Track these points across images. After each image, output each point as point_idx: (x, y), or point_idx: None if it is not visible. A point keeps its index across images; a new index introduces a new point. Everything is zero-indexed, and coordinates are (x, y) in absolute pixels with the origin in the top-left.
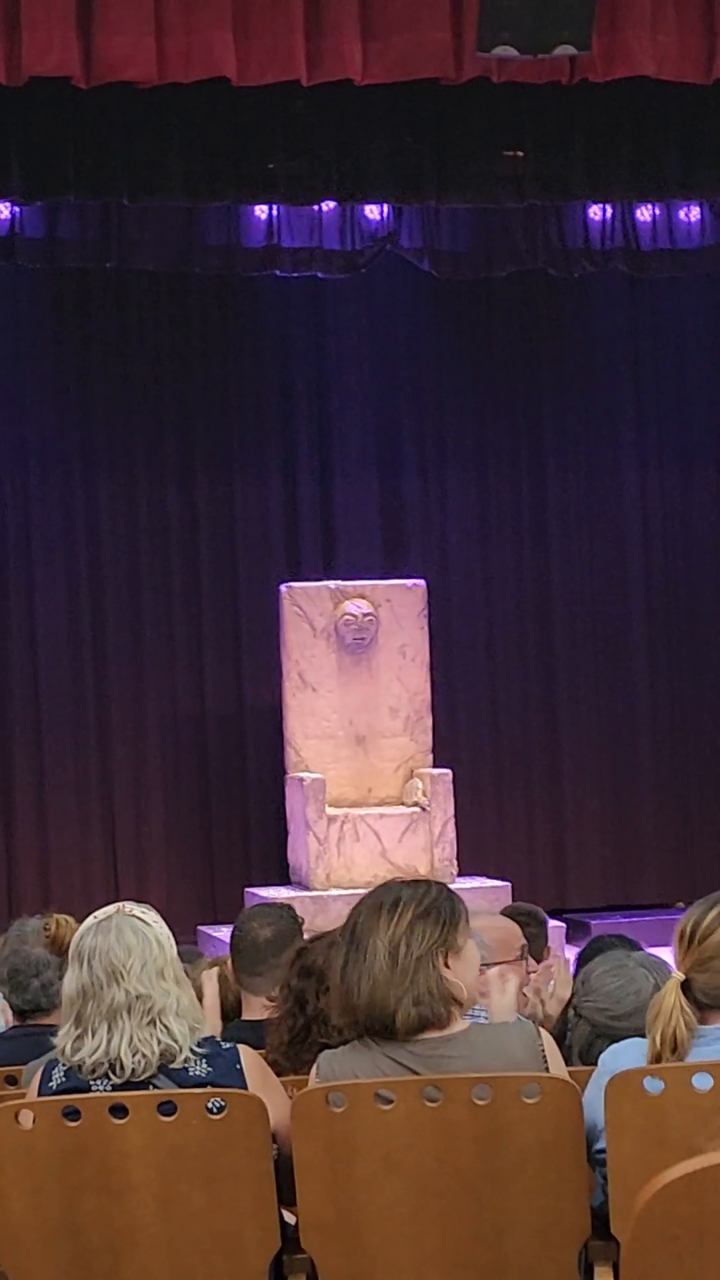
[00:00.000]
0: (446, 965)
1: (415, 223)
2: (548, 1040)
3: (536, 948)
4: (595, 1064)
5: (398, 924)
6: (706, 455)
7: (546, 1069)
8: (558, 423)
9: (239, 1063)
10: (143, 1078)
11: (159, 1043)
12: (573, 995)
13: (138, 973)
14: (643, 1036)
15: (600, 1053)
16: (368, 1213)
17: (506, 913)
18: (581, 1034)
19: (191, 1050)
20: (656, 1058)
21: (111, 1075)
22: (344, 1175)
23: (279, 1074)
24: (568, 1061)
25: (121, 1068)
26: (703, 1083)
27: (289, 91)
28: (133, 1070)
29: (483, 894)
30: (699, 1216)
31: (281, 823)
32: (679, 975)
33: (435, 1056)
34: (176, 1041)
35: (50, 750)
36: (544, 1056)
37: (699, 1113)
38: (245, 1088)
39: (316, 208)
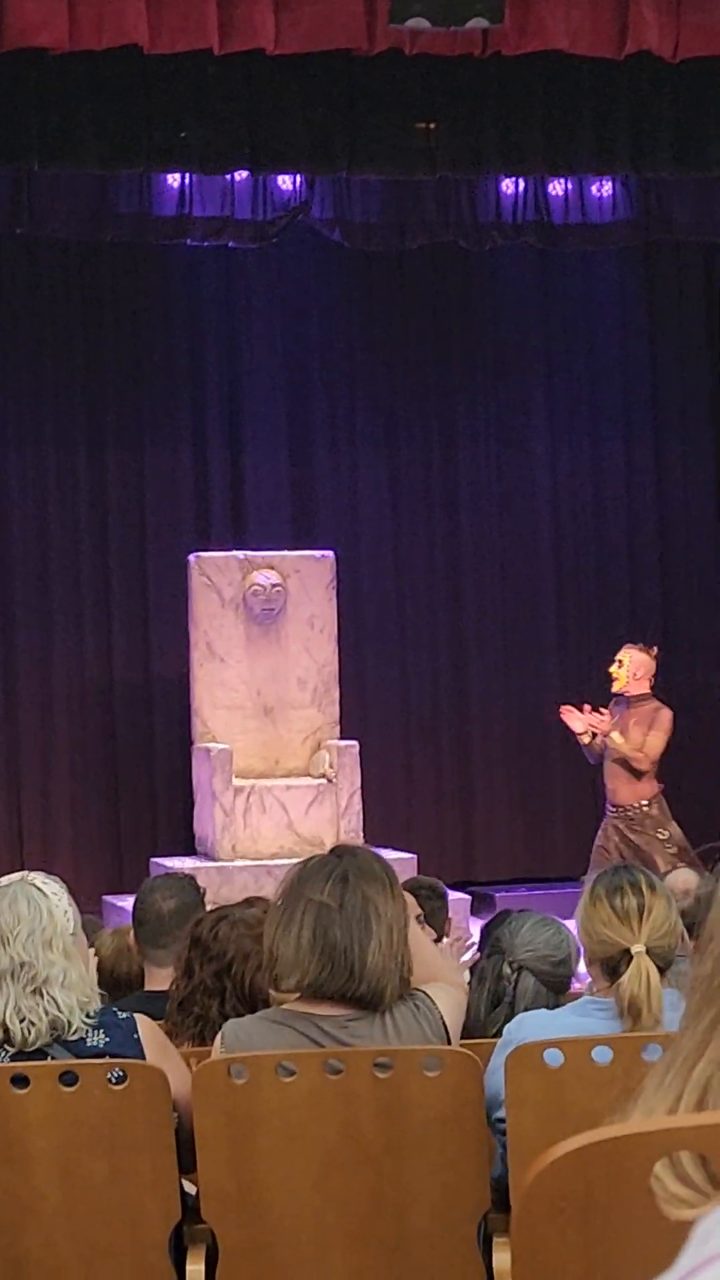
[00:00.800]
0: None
1: (327, 194)
2: (448, 1013)
3: (437, 921)
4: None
5: (396, 900)
6: (616, 429)
7: (448, 1040)
8: (469, 395)
9: (136, 1032)
10: (35, 1047)
11: (46, 1013)
12: (506, 954)
13: (23, 940)
14: (566, 984)
15: (547, 1004)
16: (269, 1185)
17: (407, 886)
18: (526, 987)
19: (84, 1020)
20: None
21: (7, 1046)
22: (245, 1147)
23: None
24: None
25: (9, 1036)
26: (602, 1056)
27: (201, 60)
28: (23, 1039)
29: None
30: (586, 1191)
31: (188, 793)
32: (641, 947)
33: (356, 1029)
34: (63, 1013)
35: None
36: (445, 1029)
37: (599, 1086)
38: (143, 1058)
39: (228, 177)
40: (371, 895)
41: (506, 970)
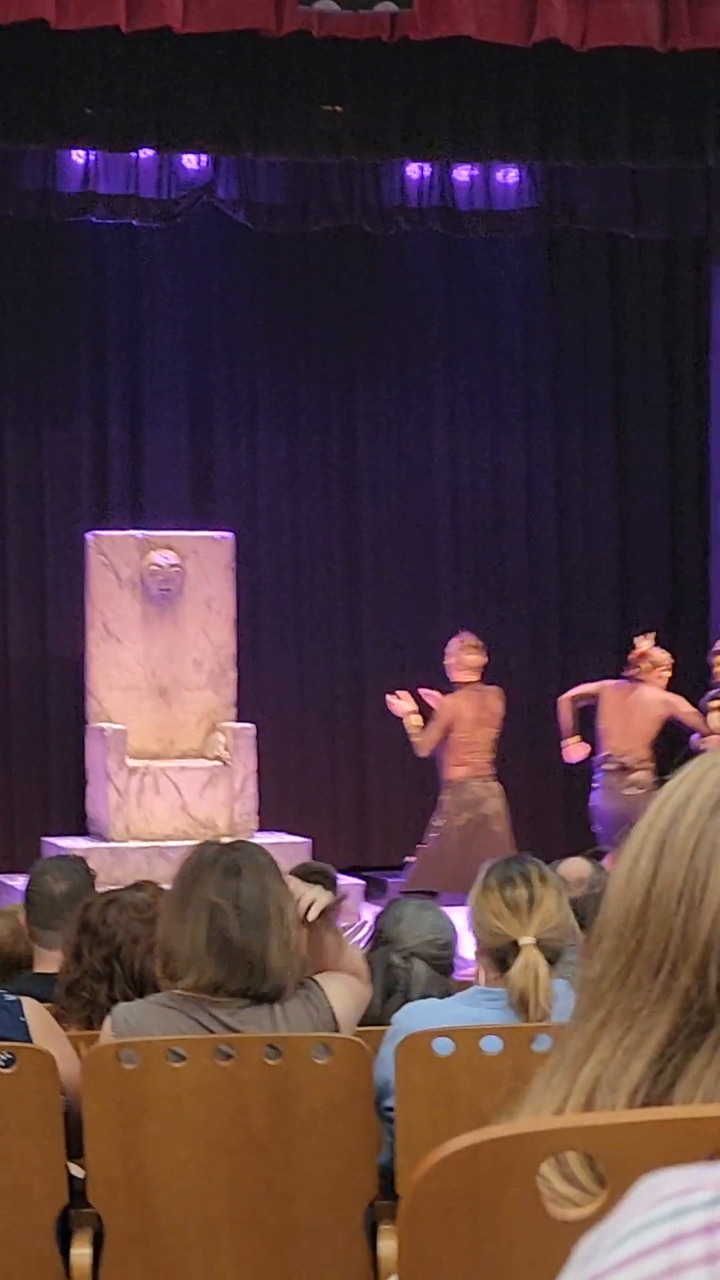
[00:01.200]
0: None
1: (232, 174)
2: (337, 1002)
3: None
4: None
5: (285, 887)
6: (515, 417)
7: (337, 1029)
8: (370, 379)
9: (22, 1015)
10: None
11: None
12: (393, 943)
13: None
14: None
15: (439, 988)
16: (156, 1170)
17: (296, 871)
18: (419, 974)
19: None
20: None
21: None
22: (134, 1132)
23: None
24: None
25: None
26: (492, 1046)
27: (108, 37)
28: None
29: (283, 850)
30: (473, 1190)
31: (81, 773)
32: (530, 939)
33: (246, 1017)
34: None
35: None
36: (334, 1017)
37: (488, 1076)
38: (29, 1040)
39: (134, 155)
40: (270, 888)
41: (396, 960)
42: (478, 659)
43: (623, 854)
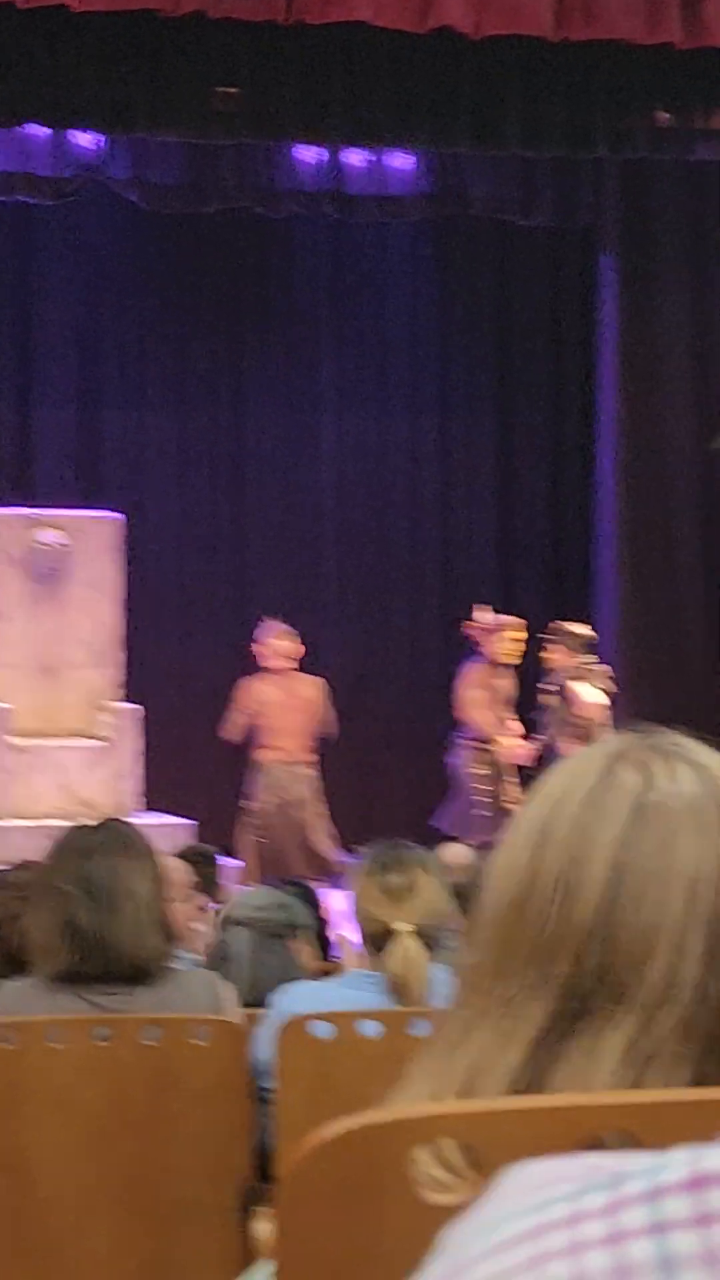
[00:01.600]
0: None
1: (125, 153)
2: (225, 986)
3: (210, 886)
4: (264, 965)
5: (151, 869)
6: (401, 400)
7: (222, 1010)
8: (259, 361)
9: None
10: None
11: None
12: (229, 918)
13: None
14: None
15: (263, 951)
16: (35, 1152)
17: (181, 853)
18: (241, 938)
19: None
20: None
21: None
22: (11, 1113)
23: None
24: (238, 969)
25: None
26: (371, 1029)
27: (3, 12)
28: None
29: (167, 831)
30: (350, 1174)
31: None
32: (407, 925)
33: (125, 999)
34: None
35: None
36: (220, 999)
37: (367, 1060)
38: None
39: (26, 131)
40: (120, 869)
41: (225, 930)
42: (290, 646)
43: (502, 843)
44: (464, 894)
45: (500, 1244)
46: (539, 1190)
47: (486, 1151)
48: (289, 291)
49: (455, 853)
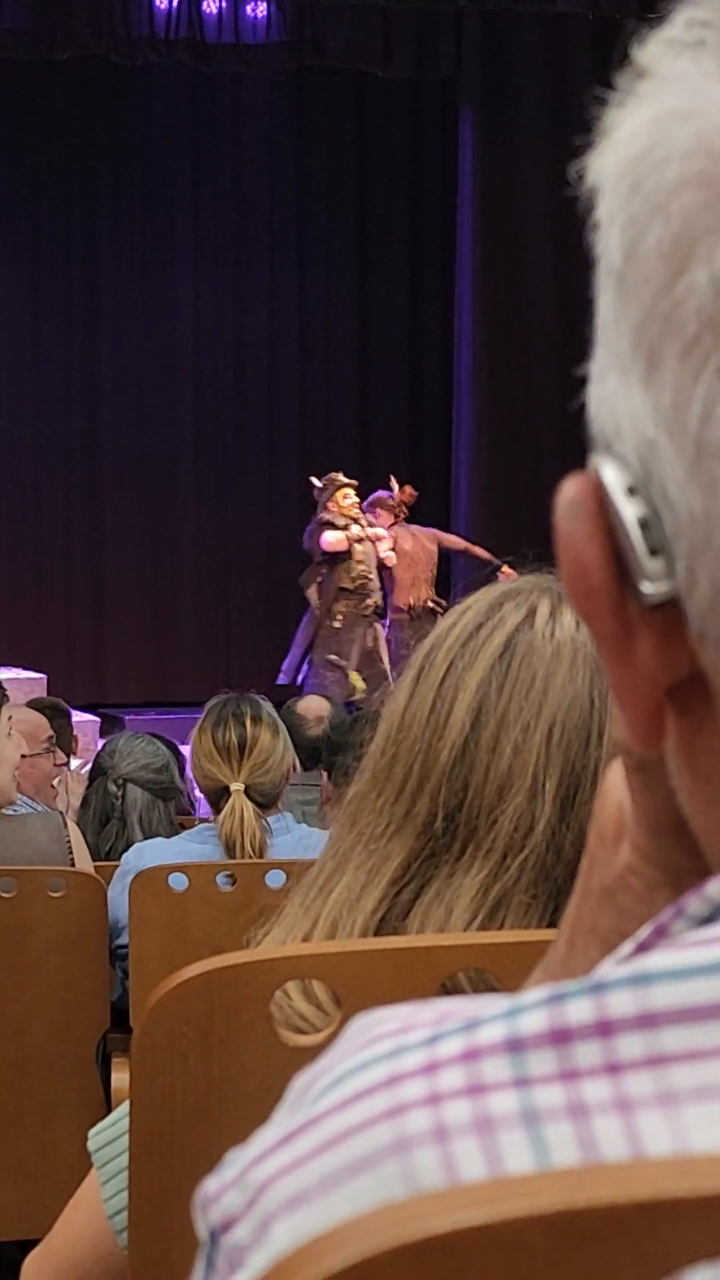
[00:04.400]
0: None
1: None
2: (74, 834)
3: (64, 740)
4: (154, 822)
5: None
6: (260, 255)
7: (73, 862)
8: (113, 213)
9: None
10: None
11: None
12: (104, 769)
13: None
14: (174, 790)
15: (157, 814)
16: None
17: (30, 705)
18: (135, 798)
19: None
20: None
21: None
22: None
23: None
24: (130, 826)
25: None
26: (225, 882)
27: None
28: None
29: (18, 685)
30: (207, 1015)
31: None
32: (239, 785)
33: None
34: None
35: None
36: (70, 849)
37: (222, 910)
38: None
39: None
40: None
41: (112, 788)
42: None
43: (398, 681)
44: (320, 747)
45: (355, 1094)
46: (390, 1038)
47: (342, 991)
48: (144, 142)
49: (314, 705)
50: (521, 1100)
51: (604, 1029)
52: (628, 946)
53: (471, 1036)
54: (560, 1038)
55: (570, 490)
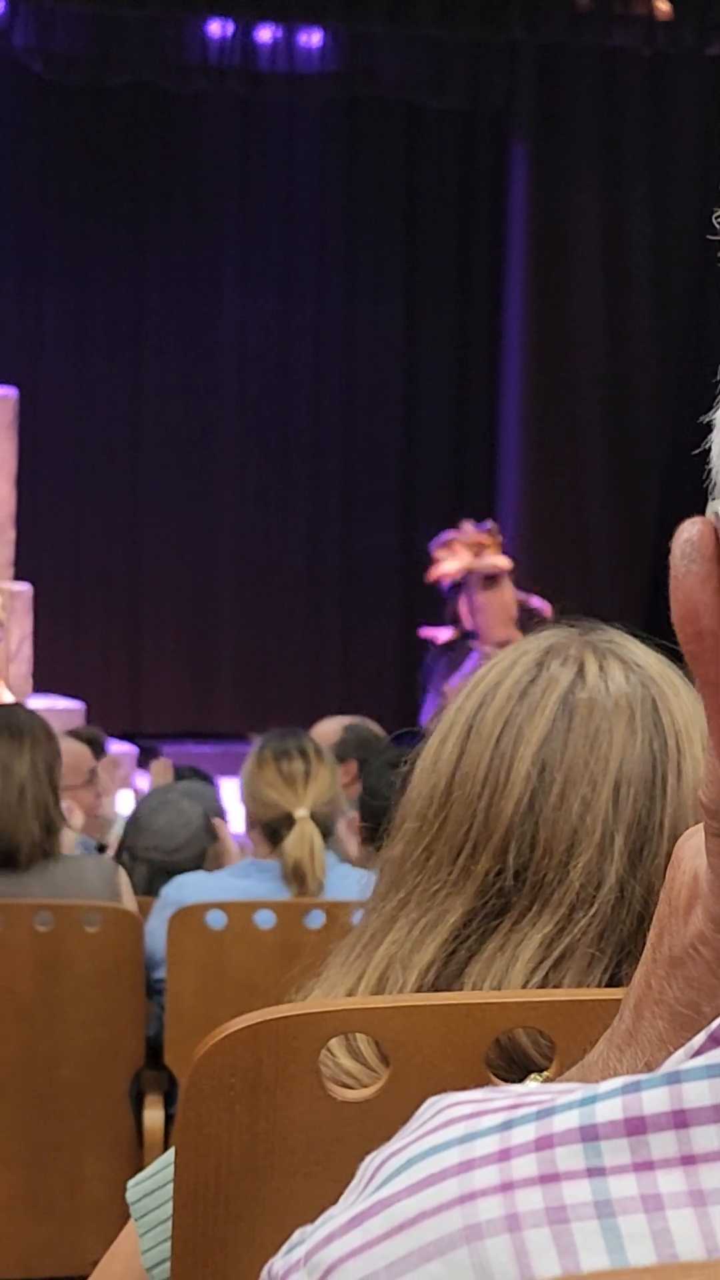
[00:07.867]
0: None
1: (30, 22)
2: (124, 880)
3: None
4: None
5: (34, 754)
6: (306, 287)
7: (120, 901)
8: (161, 240)
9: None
10: None
11: None
12: (125, 837)
13: None
14: (199, 865)
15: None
16: None
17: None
18: (140, 875)
19: None
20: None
21: None
22: None
23: None
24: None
25: None
26: (265, 920)
27: None
28: None
29: (56, 714)
30: (255, 1067)
31: None
32: (304, 811)
33: (20, 884)
34: None
35: None
36: (119, 889)
37: (260, 949)
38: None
39: None
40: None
41: (125, 858)
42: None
43: (431, 736)
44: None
45: (427, 1178)
46: (464, 1123)
47: (392, 1046)
48: (194, 169)
49: (326, 730)
50: (595, 1190)
51: (680, 1120)
52: (700, 1038)
53: (545, 1123)
54: (635, 1128)
55: (688, 531)
